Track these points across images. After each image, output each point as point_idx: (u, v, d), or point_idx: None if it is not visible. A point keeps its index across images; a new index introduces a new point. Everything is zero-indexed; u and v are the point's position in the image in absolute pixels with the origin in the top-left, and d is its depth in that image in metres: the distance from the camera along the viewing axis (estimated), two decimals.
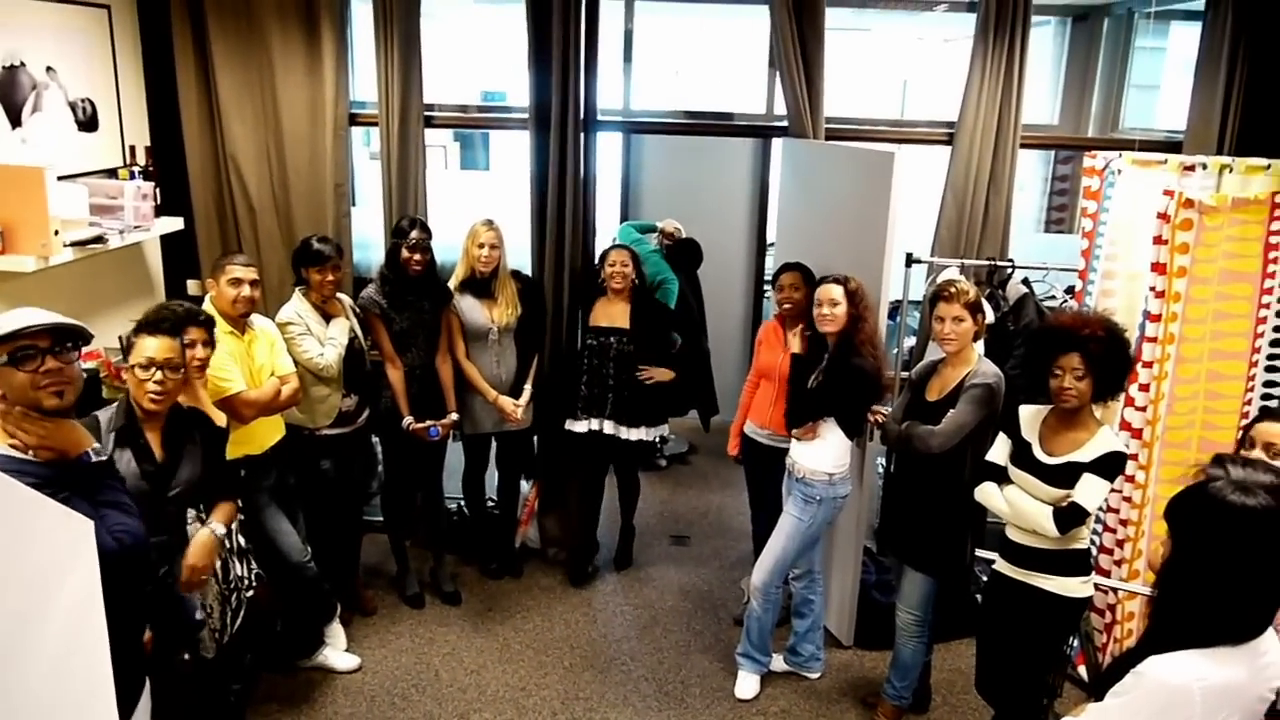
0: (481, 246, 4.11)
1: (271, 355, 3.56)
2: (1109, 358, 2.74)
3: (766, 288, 6.10)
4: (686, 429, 6.31)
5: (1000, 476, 2.96)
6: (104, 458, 2.16)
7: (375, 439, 4.28)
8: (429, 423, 4.10)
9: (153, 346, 2.57)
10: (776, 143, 5.87)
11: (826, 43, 4.36)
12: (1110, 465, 2.76)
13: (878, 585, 4.18)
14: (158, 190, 4.09)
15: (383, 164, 4.50)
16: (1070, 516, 2.76)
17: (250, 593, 3.05)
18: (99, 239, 3.63)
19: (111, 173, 4.06)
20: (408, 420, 4.06)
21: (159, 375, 2.55)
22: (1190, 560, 1.71)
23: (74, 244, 3.49)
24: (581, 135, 4.41)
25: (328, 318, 3.81)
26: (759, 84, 5.37)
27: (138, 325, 2.65)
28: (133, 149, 4.20)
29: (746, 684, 3.84)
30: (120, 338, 3.28)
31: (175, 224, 4.25)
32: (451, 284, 4.20)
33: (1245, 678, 1.66)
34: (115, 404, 2.62)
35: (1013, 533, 2.94)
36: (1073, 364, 2.74)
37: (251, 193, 4.48)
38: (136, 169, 4.12)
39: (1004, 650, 3.02)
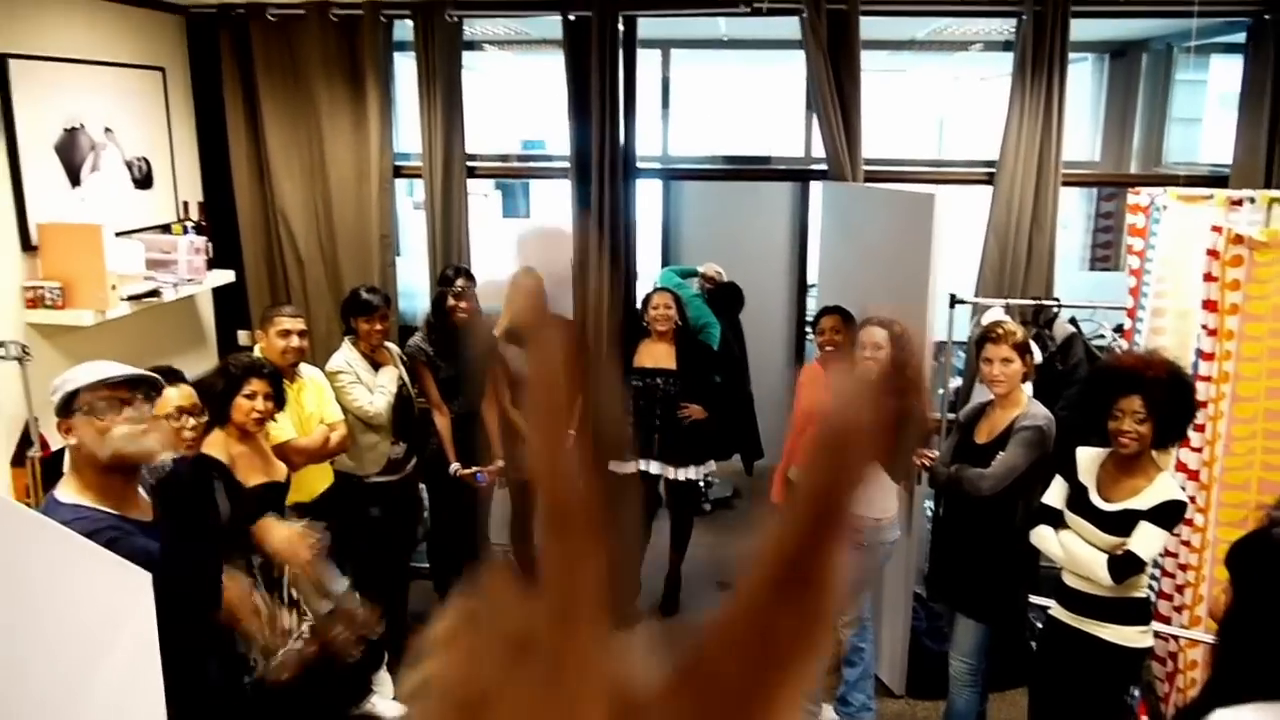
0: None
1: (320, 403, 3.62)
2: (1172, 402, 2.66)
3: (808, 331, 6.07)
4: (730, 473, 6.27)
5: (1056, 520, 2.89)
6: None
7: (421, 486, 4.31)
8: (475, 469, 4.12)
9: (175, 396, 2.63)
10: (815, 186, 5.89)
11: (863, 85, 4.37)
12: (1169, 514, 2.69)
13: (929, 632, 4.09)
14: (210, 244, 4.20)
15: (427, 214, 4.58)
16: (1126, 565, 2.69)
17: (299, 644, 3.05)
18: (154, 293, 3.73)
19: (165, 228, 4.17)
20: (455, 466, 4.09)
21: (191, 422, 2.62)
22: (1253, 609, 1.66)
23: (130, 298, 3.59)
24: (621, 182, 4.46)
25: (376, 366, 3.87)
26: (796, 128, 5.40)
27: None
28: (186, 205, 4.32)
29: None
30: None
31: (227, 277, 4.35)
32: (495, 332, 4.24)
33: None
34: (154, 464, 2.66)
35: (1070, 579, 2.87)
36: (1134, 407, 2.66)
37: (300, 245, 4.58)
38: (190, 224, 4.24)
39: (1059, 700, 2.93)
